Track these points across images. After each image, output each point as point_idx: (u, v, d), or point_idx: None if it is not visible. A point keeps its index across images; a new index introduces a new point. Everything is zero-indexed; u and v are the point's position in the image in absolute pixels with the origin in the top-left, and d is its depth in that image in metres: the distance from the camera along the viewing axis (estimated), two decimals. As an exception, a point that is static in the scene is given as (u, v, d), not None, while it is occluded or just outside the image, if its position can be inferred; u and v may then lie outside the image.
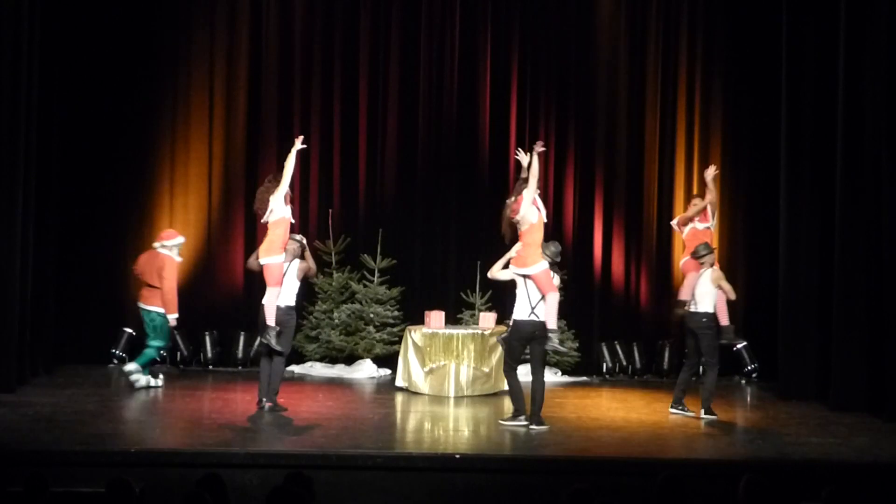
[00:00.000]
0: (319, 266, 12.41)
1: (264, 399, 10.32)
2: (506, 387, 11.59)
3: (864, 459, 8.83)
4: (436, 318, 12.16)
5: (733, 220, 13.66)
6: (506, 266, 10.05)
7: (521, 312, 9.88)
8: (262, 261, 10.30)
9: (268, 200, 10.35)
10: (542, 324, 9.83)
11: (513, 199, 9.98)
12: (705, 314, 10.51)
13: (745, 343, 13.25)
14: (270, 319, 10.19)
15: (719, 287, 10.51)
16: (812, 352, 11.77)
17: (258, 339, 12.41)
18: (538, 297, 9.87)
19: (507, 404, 10.82)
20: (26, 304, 11.33)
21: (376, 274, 13.37)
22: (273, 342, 10.14)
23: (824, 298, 11.60)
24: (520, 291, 9.90)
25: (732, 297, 10.69)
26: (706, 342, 10.50)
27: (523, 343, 9.95)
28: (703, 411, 10.53)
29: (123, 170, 13.47)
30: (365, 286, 13.34)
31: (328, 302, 13.25)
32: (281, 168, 10.61)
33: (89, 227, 13.31)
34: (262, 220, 10.45)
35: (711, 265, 10.66)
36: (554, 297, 9.93)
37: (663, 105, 13.75)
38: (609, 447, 9.21)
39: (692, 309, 10.60)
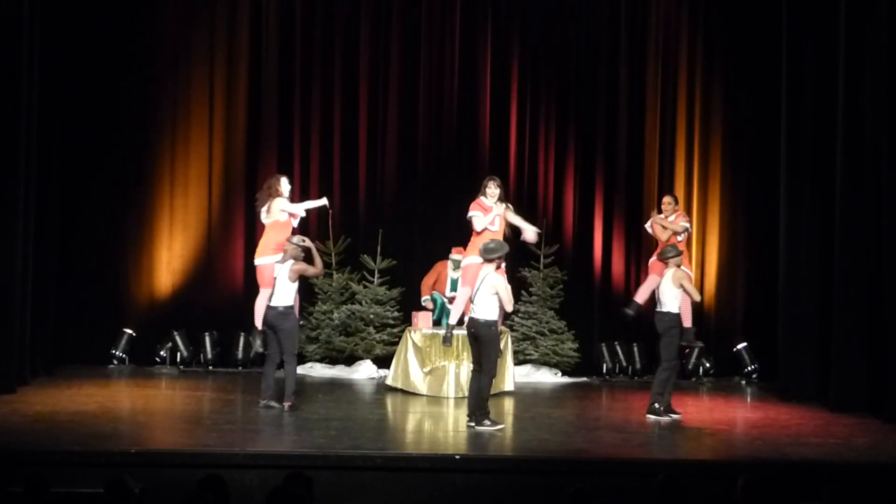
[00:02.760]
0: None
1: (269, 400, 10.36)
2: (505, 387, 11.66)
3: (864, 460, 8.82)
4: (423, 318, 12.18)
5: (733, 221, 13.67)
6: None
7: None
8: (255, 261, 10.46)
9: (268, 202, 10.43)
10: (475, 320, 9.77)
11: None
12: (668, 314, 10.35)
13: (745, 344, 13.32)
14: (257, 321, 10.44)
15: (682, 288, 10.32)
16: (812, 352, 11.77)
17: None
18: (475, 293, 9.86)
19: (507, 405, 10.84)
20: (26, 304, 11.33)
21: (376, 274, 13.37)
22: (256, 343, 10.33)
23: (824, 298, 11.59)
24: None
25: (697, 298, 10.65)
26: (666, 342, 10.38)
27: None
28: (647, 410, 10.37)
29: (123, 170, 13.48)
30: (365, 287, 13.34)
31: (328, 302, 13.25)
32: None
33: (89, 227, 13.32)
34: (262, 220, 10.61)
35: (678, 266, 10.51)
36: (462, 291, 10.73)
37: (663, 105, 13.76)
38: (609, 447, 9.21)
39: (658, 309, 10.48)
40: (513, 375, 12.04)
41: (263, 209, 10.71)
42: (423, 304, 12.63)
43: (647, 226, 11.97)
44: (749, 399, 12.25)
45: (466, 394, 11.52)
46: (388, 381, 12.08)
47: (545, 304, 13.35)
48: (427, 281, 12.81)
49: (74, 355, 13.03)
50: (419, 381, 11.80)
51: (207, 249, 13.66)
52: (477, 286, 9.70)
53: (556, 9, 13.82)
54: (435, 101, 13.82)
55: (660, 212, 11.87)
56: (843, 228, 11.15)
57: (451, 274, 12.51)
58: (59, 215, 12.65)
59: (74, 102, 12.95)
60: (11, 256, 10.95)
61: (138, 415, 10.38)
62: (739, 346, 13.36)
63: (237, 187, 13.60)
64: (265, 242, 10.58)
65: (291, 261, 10.32)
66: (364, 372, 13.00)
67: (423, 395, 11.67)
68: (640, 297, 11.68)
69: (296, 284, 10.35)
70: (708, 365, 13.34)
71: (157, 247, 13.59)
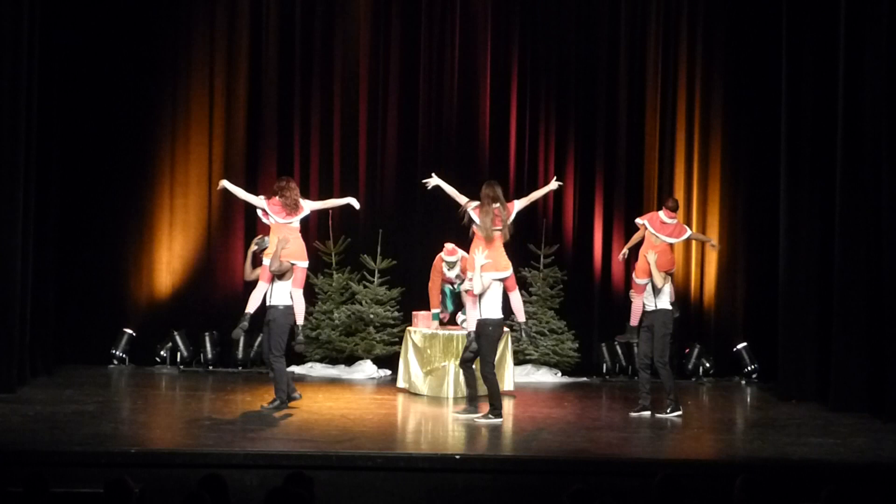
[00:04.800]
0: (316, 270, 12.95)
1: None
2: (505, 387, 11.67)
3: (864, 460, 8.82)
4: (423, 318, 12.18)
5: (733, 221, 13.67)
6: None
7: (496, 312, 10.11)
8: (300, 263, 10.46)
9: (300, 202, 10.44)
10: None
11: (498, 204, 10.19)
12: None
13: (745, 344, 13.33)
14: (302, 318, 10.61)
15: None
16: (812, 352, 11.76)
17: (260, 339, 12.43)
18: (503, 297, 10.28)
19: (507, 405, 10.84)
20: (26, 304, 11.32)
21: (376, 274, 13.37)
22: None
23: (824, 298, 11.59)
24: (495, 294, 10.10)
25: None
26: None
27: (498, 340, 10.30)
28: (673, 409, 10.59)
29: (124, 170, 13.48)
30: (365, 287, 13.34)
31: (328, 302, 13.26)
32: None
33: (89, 227, 13.32)
34: (287, 221, 10.47)
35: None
36: (518, 294, 10.62)
37: (663, 105, 13.76)
38: (609, 447, 9.21)
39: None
40: (513, 375, 12.04)
41: (302, 212, 10.59)
42: (441, 315, 12.16)
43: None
44: (749, 399, 12.25)
45: (466, 393, 11.56)
46: (399, 384, 12.06)
47: (545, 304, 13.35)
48: (433, 289, 12.26)
49: (74, 355, 13.02)
50: (419, 381, 11.81)
51: (207, 249, 13.66)
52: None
53: (556, 8, 13.82)
54: (435, 101, 13.82)
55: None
56: (843, 228, 11.15)
57: (448, 273, 12.20)
58: (59, 215, 12.65)
59: (74, 103, 12.94)
60: (11, 256, 10.95)
61: (138, 415, 10.38)
62: (739, 346, 13.35)
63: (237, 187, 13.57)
64: (302, 244, 10.58)
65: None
66: (364, 372, 13.00)
67: (423, 396, 11.67)
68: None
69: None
70: (708, 365, 13.34)
71: (157, 247, 13.59)
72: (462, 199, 10.46)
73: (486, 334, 10.05)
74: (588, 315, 13.69)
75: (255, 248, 10.87)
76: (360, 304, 13.24)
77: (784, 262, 12.04)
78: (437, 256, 12.23)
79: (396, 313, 13.25)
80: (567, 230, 13.82)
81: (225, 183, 10.95)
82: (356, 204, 11.01)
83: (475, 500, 8.23)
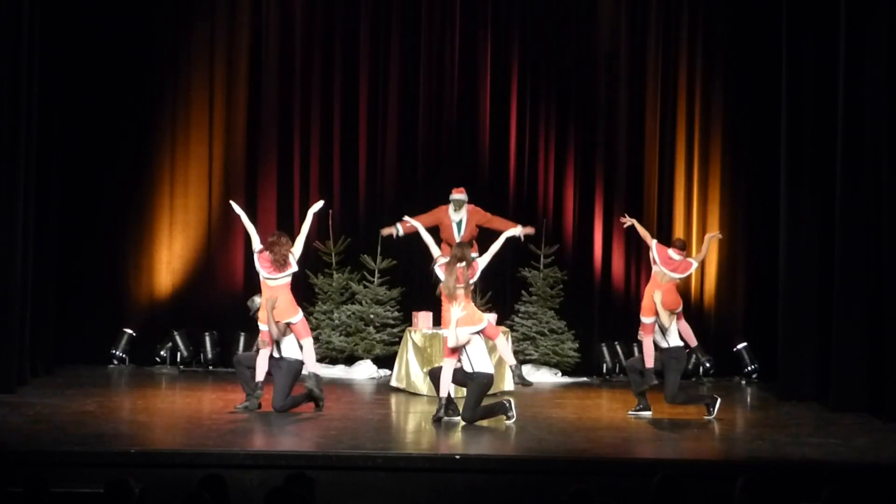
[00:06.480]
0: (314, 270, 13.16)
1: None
2: (505, 387, 11.70)
3: (864, 460, 8.82)
4: (423, 318, 12.19)
5: (733, 221, 13.66)
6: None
7: (487, 364, 10.03)
8: (293, 319, 10.31)
9: (289, 258, 10.32)
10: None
11: (464, 264, 10.15)
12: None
13: (745, 344, 13.33)
14: (314, 366, 10.47)
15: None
16: (812, 352, 11.76)
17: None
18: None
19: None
20: (26, 304, 11.33)
21: (376, 274, 13.37)
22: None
23: (824, 298, 11.59)
24: (479, 345, 10.01)
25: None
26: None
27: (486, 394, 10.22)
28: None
29: (124, 170, 13.48)
30: (365, 287, 13.34)
31: (328, 303, 13.26)
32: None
33: (90, 227, 13.32)
34: (273, 277, 10.28)
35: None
36: (503, 339, 10.59)
37: (663, 105, 13.75)
38: (609, 447, 9.22)
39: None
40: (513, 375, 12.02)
41: (290, 268, 10.37)
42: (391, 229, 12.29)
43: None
44: (749, 399, 12.25)
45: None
46: (392, 383, 12.09)
47: (545, 304, 13.35)
48: (420, 220, 11.76)
49: (74, 355, 13.03)
50: (419, 381, 11.81)
51: (207, 249, 13.67)
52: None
53: (556, 9, 13.82)
54: (435, 100, 13.81)
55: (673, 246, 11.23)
56: (843, 228, 11.15)
57: (454, 216, 12.29)
58: (59, 215, 12.65)
59: (74, 103, 12.95)
60: (11, 257, 10.95)
61: (138, 415, 10.38)
62: (739, 346, 13.36)
63: (237, 187, 13.58)
64: (292, 300, 10.42)
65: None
66: (364, 372, 13.01)
67: (423, 395, 11.67)
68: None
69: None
70: (708, 365, 13.34)
71: (157, 247, 13.59)
72: (435, 251, 10.68)
73: (480, 384, 9.96)
74: (588, 315, 13.69)
75: (251, 313, 10.82)
76: (360, 304, 13.24)
77: (784, 262, 12.04)
78: (440, 207, 12.30)
79: (396, 313, 13.24)
80: (567, 230, 13.81)
81: (234, 206, 10.94)
82: (319, 204, 10.93)
83: (475, 500, 8.23)
